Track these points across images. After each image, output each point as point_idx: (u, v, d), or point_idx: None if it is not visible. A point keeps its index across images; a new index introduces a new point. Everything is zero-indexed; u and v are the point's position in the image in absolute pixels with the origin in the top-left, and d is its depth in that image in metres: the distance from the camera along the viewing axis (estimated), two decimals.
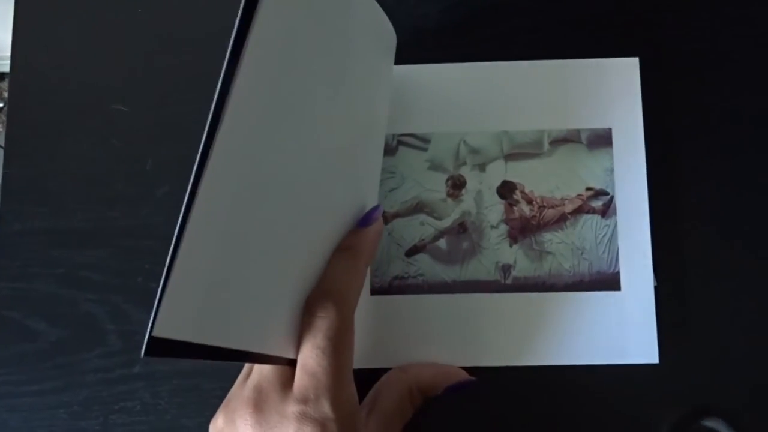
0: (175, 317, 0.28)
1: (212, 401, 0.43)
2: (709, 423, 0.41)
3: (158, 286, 0.44)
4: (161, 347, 0.28)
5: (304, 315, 0.35)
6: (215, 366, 0.44)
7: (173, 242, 0.28)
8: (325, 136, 0.36)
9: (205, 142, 0.29)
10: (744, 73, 0.46)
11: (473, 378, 0.42)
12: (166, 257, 0.44)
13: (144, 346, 0.27)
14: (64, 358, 0.45)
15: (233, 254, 0.31)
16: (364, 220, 0.40)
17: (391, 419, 0.39)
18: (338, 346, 0.34)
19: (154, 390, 0.44)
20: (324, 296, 0.35)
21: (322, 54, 0.35)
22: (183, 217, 0.29)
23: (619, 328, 0.42)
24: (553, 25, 0.47)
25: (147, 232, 0.46)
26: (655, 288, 0.42)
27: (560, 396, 0.42)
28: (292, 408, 0.33)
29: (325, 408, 0.33)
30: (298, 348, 0.35)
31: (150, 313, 0.44)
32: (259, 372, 0.35)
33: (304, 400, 0.33)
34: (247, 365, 0.38)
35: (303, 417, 0.33)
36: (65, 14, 0.50)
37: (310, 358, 0.34)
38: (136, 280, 0.45)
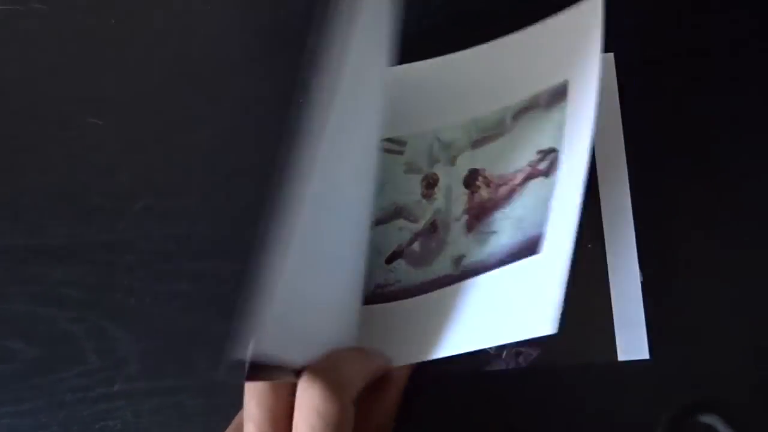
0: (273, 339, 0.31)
1: (195, 419, 0.43)
2: (705, 419, 0.41)
3: (137, 302, 0.44)
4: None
5: (306, 376, 0.34)
6: (198, 383, 0.43)
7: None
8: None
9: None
10: (727, 73, 0.46)
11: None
12: (144, 272, 0.44)
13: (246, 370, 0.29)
14: (42, 378, 0.44)
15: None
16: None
17: None
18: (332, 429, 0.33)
19: (135, 408, 0.43)
20: (332, 383, 0.33)
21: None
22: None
23: (540, 293, 0.37)
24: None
25: (125, 247, 0.45)
26: (642, 283, 0.42)
27: (550, 394, 0.42)
28: None
29: None
30: None
31: (128, 331, 0.43)
32: (259, 428, 0.34)
33: None
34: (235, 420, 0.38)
35: None
36: (38, 26, 0.49)
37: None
38: (115, 296, 0.45)
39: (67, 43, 0.49)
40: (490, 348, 0.42)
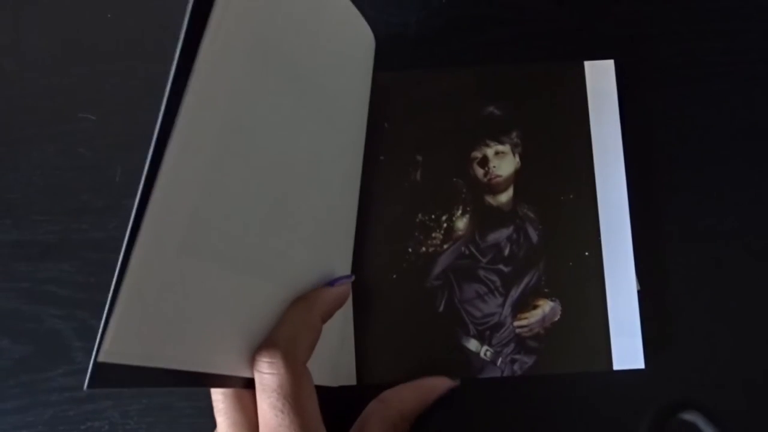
0: (125, 339, 0.27)
1: (183, 420, 0.42)
2: (687, 416, 0.41)
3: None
4: (109, 375, 0.26)
5: (254, 364, 0.33)
6: None
7: (121, 255, 0.27)
8: (294, 149, 0.36)
9: (156, 144, 0.28)
10: (727, 80, 0.46)
11: (456, 382, 0.41)
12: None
13: (88, 376, 0.26)
14: (28, 376, 0.43)
15: (188, 268, 0.30)
16: (331, 282, 0.39)
17: None
18: (296, 402, 0.32)
19: (123, 409, 0.42)
20: (271, 347, 0.33)
21: (290, 58, 0.34)
22: (132, 226, 0.27)
23: None
24: (531, 35, 0.47)
25: (115, 245, 0.44)
26: (639, 292, 0.42)
27: (544, 402, 0.42)
28: None
29: None
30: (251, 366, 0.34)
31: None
32: (229, 420, 0.34)
33: None
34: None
35: None
36: (32, 18, 0.48)
37: (270, 418, 0.32)
38: (104, 295, 0.43)
39: (61, 38, 0.48)
40: (485, 355, 0.42)
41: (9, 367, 0.43)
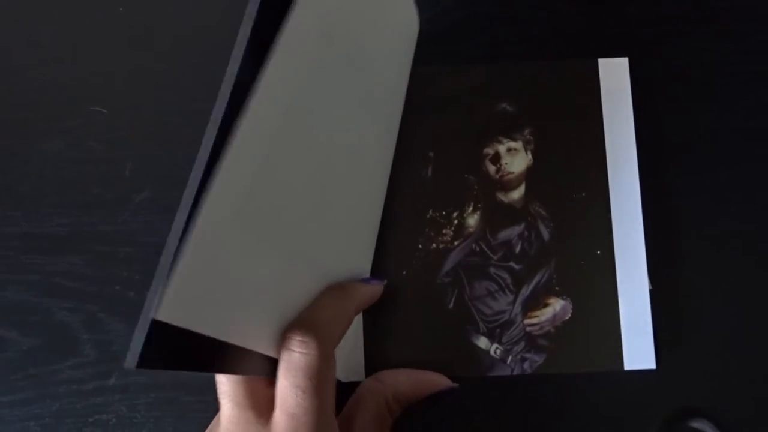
0: (183, 301, 0.26)
1: (191, 415, 0.42)
2: (695, 424, 0.40)
3: (135, 294, 0.43)
4: (161, 345, 0.25)
5: (284, 342, 0.33)
6: (195, 379, 0.42)
7: (183, 221, 0.26)
8: (342, 137, 0.36)
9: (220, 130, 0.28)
10: (738, 86, 0.45)
11: (455, 385, 0.41)
12: (144, 265, 0.44)
13: (141, 345, 0.25)
14: (37, 369, 0.43)
15: (241, 242, 0.30)
16: (366, 280, 0.41)
17: (372, 431, 0.38)
18: (319, 385, 0.32)
19: (131, 403, 0.42)
20: (305, 327, 0.33)
21: (350, 43, 0.35)
22: (197, 192, 0.27)
23: None
24: (544, 34, 0.46)
25: (125, 239, 0.45)
26: (651, 292, 0.42)
27: (554, 401, 0.42)
28: None
29: None
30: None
31: (126, 324, 0.43)
32: (233, 401, 0.34)
33: None
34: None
35: None
36: (43, 11, 0.48)
37: (290, 397, 0.32)
38: (113, 288, 0.44)
39: (73, 32, 0.48)
40: (495, 353, 0.42)
41: (17, 359, 0.43)
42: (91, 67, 0.48)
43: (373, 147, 0.41)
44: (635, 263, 0.42)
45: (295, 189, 0.33)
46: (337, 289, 0.37)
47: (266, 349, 0.33)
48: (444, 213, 0.44)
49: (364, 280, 0.41)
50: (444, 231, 0.43)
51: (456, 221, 0.44)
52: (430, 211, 0.44)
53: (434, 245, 0.43)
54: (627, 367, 0.41)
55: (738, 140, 0.44)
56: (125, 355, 0.42)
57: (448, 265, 0.43)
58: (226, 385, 0.34)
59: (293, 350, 0.32)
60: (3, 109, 0.47)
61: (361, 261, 0.41)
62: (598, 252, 0.42)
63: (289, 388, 0.32)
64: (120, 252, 0.45)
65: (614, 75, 0.45)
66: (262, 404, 0.33)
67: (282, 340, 0.33)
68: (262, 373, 0.33)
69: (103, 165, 0.46)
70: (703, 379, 0.42)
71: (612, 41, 0.46)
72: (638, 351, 0.41)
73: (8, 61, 0.48)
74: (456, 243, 0.43)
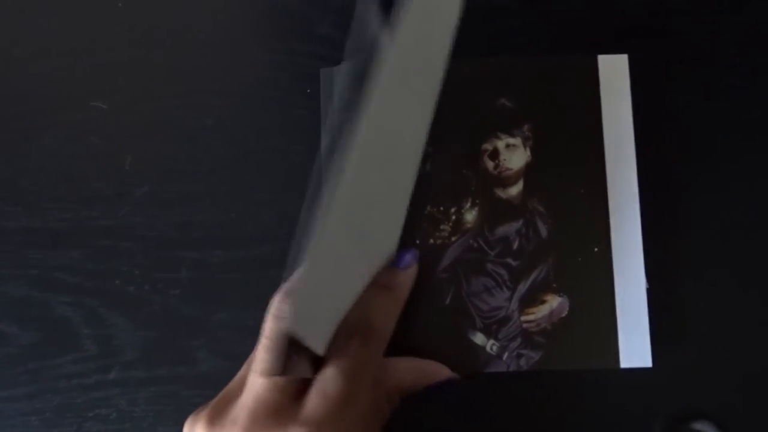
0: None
1: (190, 409, 0.41)
2: (698, 426, 0.41)
3: (136, 289, 0.43)
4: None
5: (339, 339, 0.34)
6: (194, 373, 0.42)
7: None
8: (404, 132, 0.39)
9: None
10: (738, 80, 0.45)
11: (456, 375, 0.41)
12: (144, 259, 0.44)
13: None
14: (37, 363, 0.43)
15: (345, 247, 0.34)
16: (402, 262, 0.41)
17: (370, 421, 0.38)
18: (362, 378, 0.34)
19: (131, 397, 0.43)
20: (366, 327, 0.35)
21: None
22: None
23: None
24: (544, 27, 0.46)
25: (125, 233, 0.45)
26: (647, 290, 0.42)
27: (549, 398, 0.42)
28: (296, 429, 0.32)
29: None
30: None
31: (126, 318, 0.43)
32: (270, 380, 0.33)
33: (310, 423, 0.32)
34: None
35: None
36: (43, 6, 0.49)
37: (332, 382, 0.33)
38: (113, 282, 0.44)
39: (72, 27, 0.48)
40: (491, 349, 0.42)
41: (17, 353, 0.43)
42: (90, 63, 0.48)
43: (416, 141, 0.41)
44: (633, 260, 0.42)
45: (370, 189, 0.36)
46: (389, 291, 0.39)
47: (320, 348, 0.34)
48: (442, 209, 0.44)
49: (397, 264, 0.41)
50: (442, 227, 0.44)
51: (454, 217, 0.44)
52: (428, 207, 0.44)
53: (432, 241, 0.43)
54: (623, 364, 0.41)
55: (737, 135, 0.44)
56: (125, 350, 0.43)
57: (446, 260, 0.43)
58: (269, 362, 0.34)
59: (349, 343, 0.34)
60: (3, 103, 0.47)
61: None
62: (596, 249, 0.43)
63: (335, 374, 0.33)
64: (120, 246, 0.45)
65: (613, 71, 0.45)
66: (295, 390, 0.34)
67: (338, 336, 0.34)
68: (303, 372, 0.34)
69: (103, 159, 0.46)
70: (700, 378, 0.42)
71: (612, 37, 0.46)
72: (634, 349, 0.41)
73: (8, 55, 0.48)
74: (454, 239, 0.43)
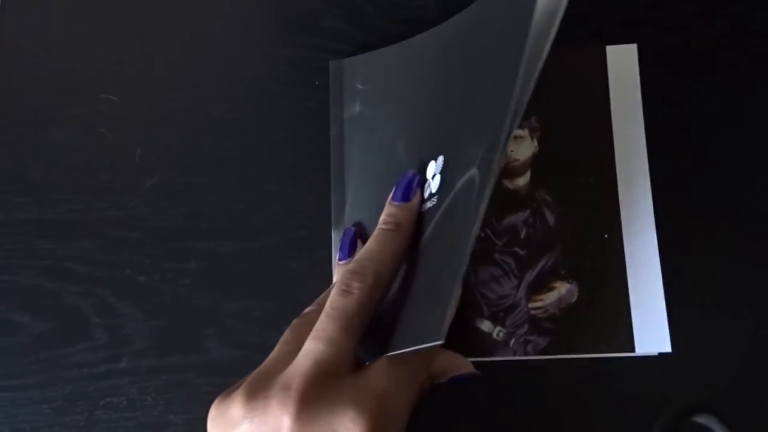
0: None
1: (201, 397, 0.42)
2: (701, 420, 0.40)
3: (146, 279, 0.44)
4: None
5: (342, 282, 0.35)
6: (204, 362, 0.43)
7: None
8: None
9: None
10: (747, 71, 0.45)
11: (477, 372, 0.41)
12: (154, 249, 0.44)
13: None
14: (48, 352, 0.44)
15: None
16: (406, 193, 0.39)
17: (414, 400, 0.38)
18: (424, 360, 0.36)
19: (141, 385, 0.43)
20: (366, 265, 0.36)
21: None
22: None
23: None
24: None
25: (134, 224, 0.45)
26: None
27: (557, 385, 0.42)
28: (355, 394, 0.31)
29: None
30: None
31: (136, 308, 0.43)
32: (334, 347, 0.33)
33: (373, 391, 0.32)
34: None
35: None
36: (53, 0, 0.49)
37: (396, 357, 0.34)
38: (124, 272, 0.44)
39: (83, 20, 0.49)
40: (498, 335, 0.42)
41: (29, 342, 0.44)
42: (100, 55, 0.48)
43: None
44: (647, 246, 0.42)
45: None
46: (396, 230, 0.38)
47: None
48: None
49: (405, 197, 0.39)
50: None
51: None
52: None
53: None
54: (638, 351, 0.41)
55: (748, 125, 0.44)
56: (136, 339, 0.43)
57: None
58: (335, 333, 0.33)
59: (351, 286, 0.35)
60: (14, 96, 0.48)
61: None
62: (606, 236, 0.42)
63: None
64: (130, 237, 0.45)
65: (622, 61, 0.45)
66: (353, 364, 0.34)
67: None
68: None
69: (113, 151, 0.47)
70: (714, 366, 0.41)
71: (621, 26, 0.46)
72: (651, 334, 0.41)
73: (19, 49, 0.48)
74: None
